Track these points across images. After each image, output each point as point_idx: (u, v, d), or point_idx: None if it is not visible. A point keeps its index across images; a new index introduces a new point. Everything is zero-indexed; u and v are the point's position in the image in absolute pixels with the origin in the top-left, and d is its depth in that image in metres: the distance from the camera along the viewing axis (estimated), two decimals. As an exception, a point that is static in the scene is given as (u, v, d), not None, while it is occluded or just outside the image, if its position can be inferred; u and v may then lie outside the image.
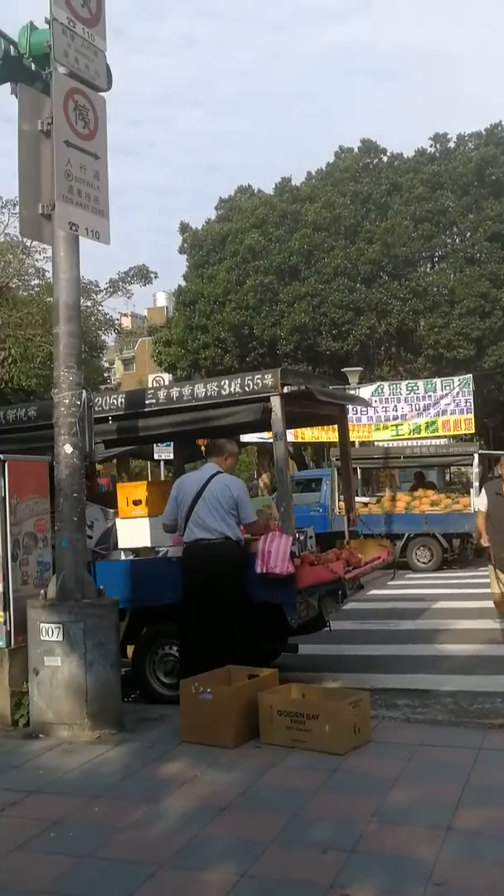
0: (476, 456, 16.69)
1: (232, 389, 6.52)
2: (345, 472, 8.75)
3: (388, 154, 30.19)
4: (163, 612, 6.53)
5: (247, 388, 6.46)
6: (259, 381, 6.43)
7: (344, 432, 8.35)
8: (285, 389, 6.38)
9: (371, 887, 3.29)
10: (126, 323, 47.87)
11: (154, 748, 5.14)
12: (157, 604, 6.53)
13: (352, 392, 16.36)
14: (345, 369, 22.88)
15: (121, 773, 4.72)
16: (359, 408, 21.88)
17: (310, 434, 22.49)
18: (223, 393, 6.56)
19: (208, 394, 6.64)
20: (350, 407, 21.31)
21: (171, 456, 16.51)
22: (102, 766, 4.87)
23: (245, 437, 20.92)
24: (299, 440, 23.55)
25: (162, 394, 6.94)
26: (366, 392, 21.10)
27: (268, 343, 27.39)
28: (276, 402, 6.34)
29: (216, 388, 6.61)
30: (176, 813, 4.12)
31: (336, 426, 8.89)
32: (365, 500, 16.99)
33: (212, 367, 28.22)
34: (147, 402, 6.93)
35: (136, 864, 3.56)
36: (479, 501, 7.66)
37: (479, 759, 4.78)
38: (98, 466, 11.45)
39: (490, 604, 10.83)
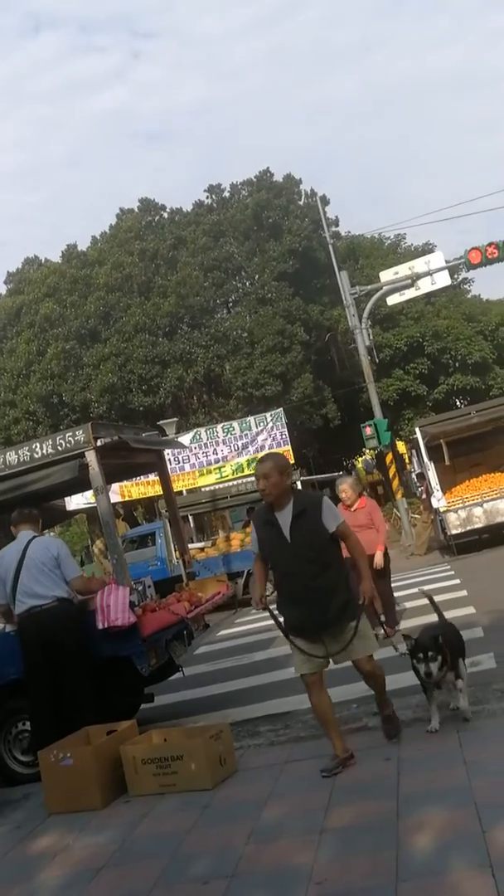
0: (299, 484, 17.21)
1: (45, 451, 6.46)
2: (172, 516, 8.82)
3: (167, 210, 31.02)
4: (9, 689, 6.30)
5: (60, 448, 6.42)
6: (71, 438, 6.42)
7: (165, 477, 8.43)
8: (99, 442, 6.39)
9: (255, 903, 3.33)
10: None
11: (21, 828, 4.95)
12: (1, 682, 6.30)
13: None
14: (160, 422, 23.05)
15: (-11, 861, 4.51)
16: (181, 456, 22.14)
17: (137, 491, 22.47)
18: (36, 456, 6.49)
19: (21, 459, 6.54)
20: (171, 455, 21.48)
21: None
22: (-32, 858, 4.63)
23: (72, 505, 20.59)
24: (127, 499, 23.45)
25: (-27, 468, 6.76)
26: (184, 440, 21.39)
27: (79, 408, 27.16)
28: (91, 457, 6.33)
29: (28, 453, 6.53)
30: (52, 885, 4.00)
31: (157, 473, 8.96)
32: (200, 545, 17.13)
33: (25, 440, 27.62)
34: (-41, 478, 6.73)
35: (16, 944, 3.42)
36: (252, 541, 5.25)
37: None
38: None
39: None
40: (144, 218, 30.80)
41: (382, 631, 7.76)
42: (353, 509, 8.91)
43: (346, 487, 9.06)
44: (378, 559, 8.79)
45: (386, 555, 9.01)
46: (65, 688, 5.84)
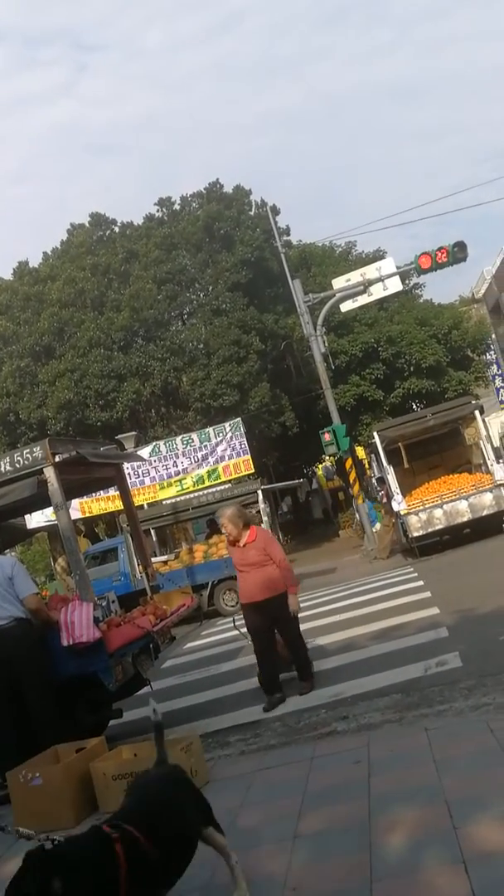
0: (260, 492, 17.26)
1: (2, 469, 6.40)
2: (133, 529, 8.78)
3: (118, 224, 30.94)
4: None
5: (17, 465, 6.37)
6: (28, 454, 6.36)
7: (125, 491, 8.39)
8: (57, 458, 6.35)
9: (231, 913, 3.32)
10: None
11: (-9, 852, 4.86)
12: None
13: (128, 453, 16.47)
14: (119, 436, 22.94)
15: (-41, 887, 4.43)
16: (141, 470, 22.05)
17: (97, 506, 22.32)
18: (-7, 475, 6.42)
19: (-22, 478, 6.47)
20: (131, 469, 21.30)
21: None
22: None
23: (32, 524, 20.40)
24: (88, 515, 23.28)
25: None
26: (144, 453, 21.31)
27: (36, 425, 26.90)
28: (50, 473, 6.29)
29: (-15, 471, 6.46)
30: (25, 907, 3.93)
31: (117, 487, 8.91)
32: (164, 558, 17.07)
33: (-17, 460, 27.22)
34: None
35: None
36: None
37: (312, 767, 4.94)
38: None
39: (301, 627, 11.24)
40: (95, 232, 30.65)
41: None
42: (241, 545, 7.30)
43: (225, 522, 7.32)
44: (292, 604, 7.36)
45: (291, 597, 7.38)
46: (27, 707, 5.78)
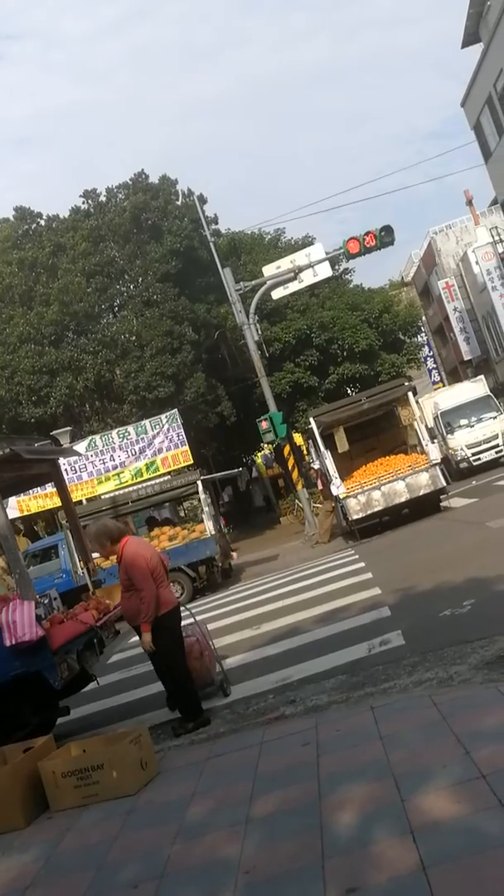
0: (200, 483, 17.22)
1: None
2: (72, 525, 8.69)
3: (44, 217, 30.44)
4: None
5: (-50, 465, 6.25)
6: (-40, 454, 6.25)
7: (62, 487, 8.30)
8: (-10, 457, 6.26)
9: (186, 900, 3.33)
10: None
11: None
12: None
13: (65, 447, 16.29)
14: (53, 432, 22.68)
15: None
16: (78, 465, 21.83)
17: (35, 504, 22.06)
18: None
19: None
20: (68, 465, 21.01)
21: None
22: None
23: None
24: (26, 513, 22.98)
25: None
26: (80, 448, 21.10)
27: (-32, 425, 26.46)
28: (-17, 472, 6.19)
29: None
30: (-23, 911, 3.89)
31: (54, 484, 8.82)
32: (105, 553, 16.93)
33: None
34: None
35: None
36: None
37: (262, 752, 4.98)
38: None
39: (246, 615, 11.31)
40: (21, 226, 30.14)
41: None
42: (116, 562, 6.32)
43: (92, 547, 6.59)
44: (142, 642, 6.14)
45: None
46: None
